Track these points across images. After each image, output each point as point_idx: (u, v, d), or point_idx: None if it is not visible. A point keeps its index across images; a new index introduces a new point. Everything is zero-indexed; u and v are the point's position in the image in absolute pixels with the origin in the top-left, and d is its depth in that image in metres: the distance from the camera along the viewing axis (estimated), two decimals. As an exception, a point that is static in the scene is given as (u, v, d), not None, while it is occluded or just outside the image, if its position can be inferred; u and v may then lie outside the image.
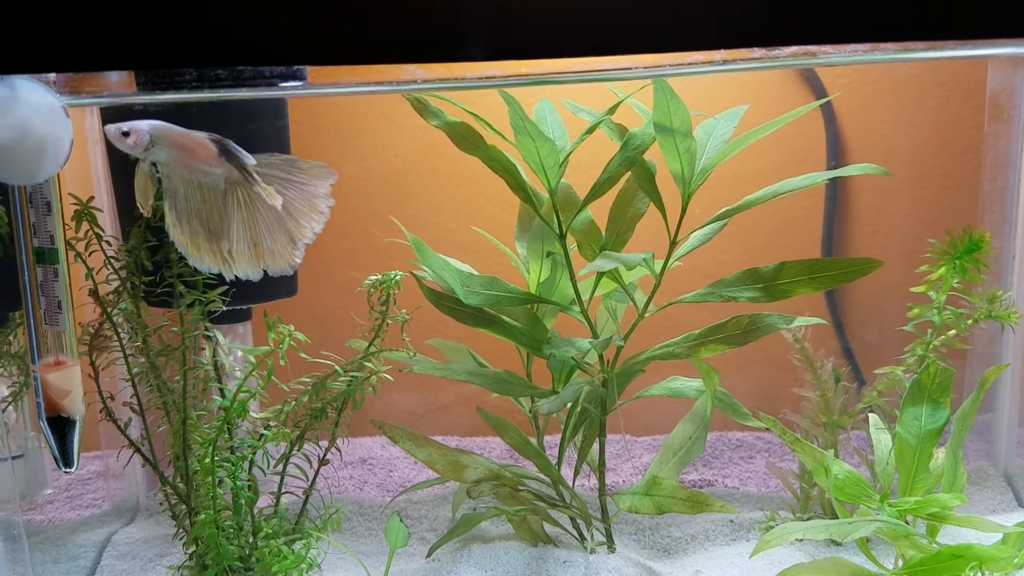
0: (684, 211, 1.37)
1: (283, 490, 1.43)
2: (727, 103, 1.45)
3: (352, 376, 1.39)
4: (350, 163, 1.88)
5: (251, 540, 1.38)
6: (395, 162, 1.89)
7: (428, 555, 1.49)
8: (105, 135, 1.25)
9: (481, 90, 1.43)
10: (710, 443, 1.90)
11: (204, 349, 1.40)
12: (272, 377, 1.29)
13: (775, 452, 1.88)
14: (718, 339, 1.37)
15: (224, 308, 1.36)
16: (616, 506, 1.45)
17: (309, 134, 1.87)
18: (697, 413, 1.53)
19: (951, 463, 1.35)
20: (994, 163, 1.67)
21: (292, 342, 1.28)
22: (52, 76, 1.20)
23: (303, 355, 1.31)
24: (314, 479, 1.45)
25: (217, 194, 1.23)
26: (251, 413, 1.36)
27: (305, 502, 1.46)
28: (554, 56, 1.11)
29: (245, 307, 1.53)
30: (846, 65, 1.78)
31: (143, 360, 1.40)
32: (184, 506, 1.43)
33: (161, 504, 1.50)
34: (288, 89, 1.22)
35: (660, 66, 1.22)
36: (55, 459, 1.27)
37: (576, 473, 1.55)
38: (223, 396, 1.33)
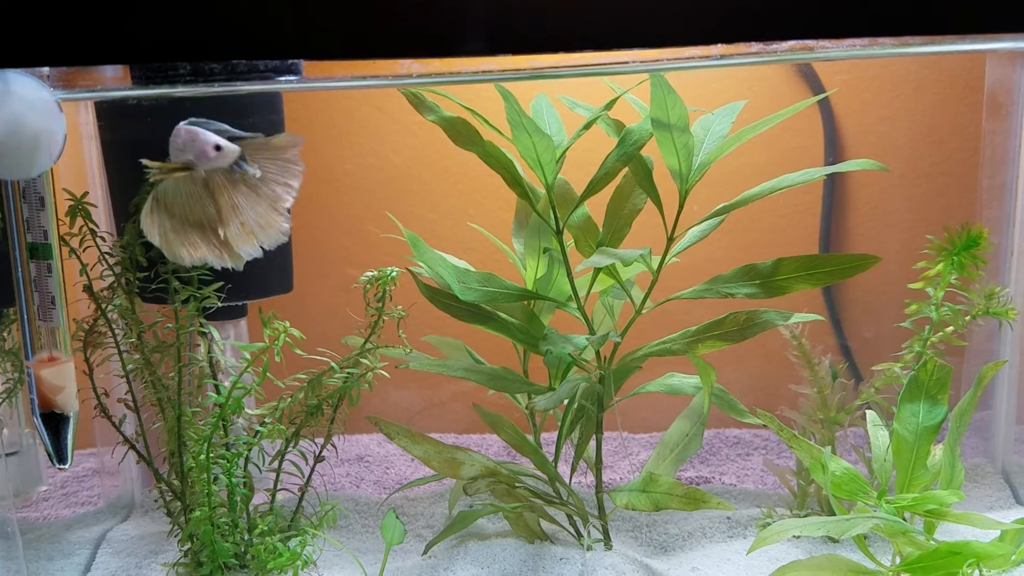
0: (681, 207, 1.37)
1: (279, 487, 1.43)
2: (725, 99, 1.45)
3: (348, 373, 1.38)
4: (347, 159, 1.87)
5: (246, 537, 1.38)
6: (392, 158, 1.88)
7: (424, 552, 1.49)
8: (195, 147, 1.20)
9: (477, 85, 1.42)
10: (707, 440, 1.89)
11: (199, 346, 1.39)
12: (268, 374, 1.28)
13: (772, 449, 1.88)
14: (715, 335, 1.36)
15: (219, 305, 1.36)
16: (613, 503, 1.45)
17: (305, 130, 1.86)
18: (694, 410, 1.52)
19: (948, 460, 1.35)
20: (992, 159, 1.66)
21: (287, 338, 1.27)
22: (45, 70, 1.19)
23: (299, 351, 1.30)
24: (310, 476, 1.44)
25: (199, 184, 1.22)
26: (246, 410, 1.35)
27: (301, 499, 1.45)
28: (551, 51, 1.10)
29: (240, 304, 1.52)
30: (844, 60, 1.77)
31: (138, 356, 1.39)
32: (179, 503, 1.42)
33: (156, 501, 1.50)
34: (282, 83, 1.22)
35: (657, 61, 1.21)
36: (49, 455, 1.27)
37: (573, 470, 1.54)
38: (218, 393, 1.32)
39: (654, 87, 1.27)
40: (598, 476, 1.49)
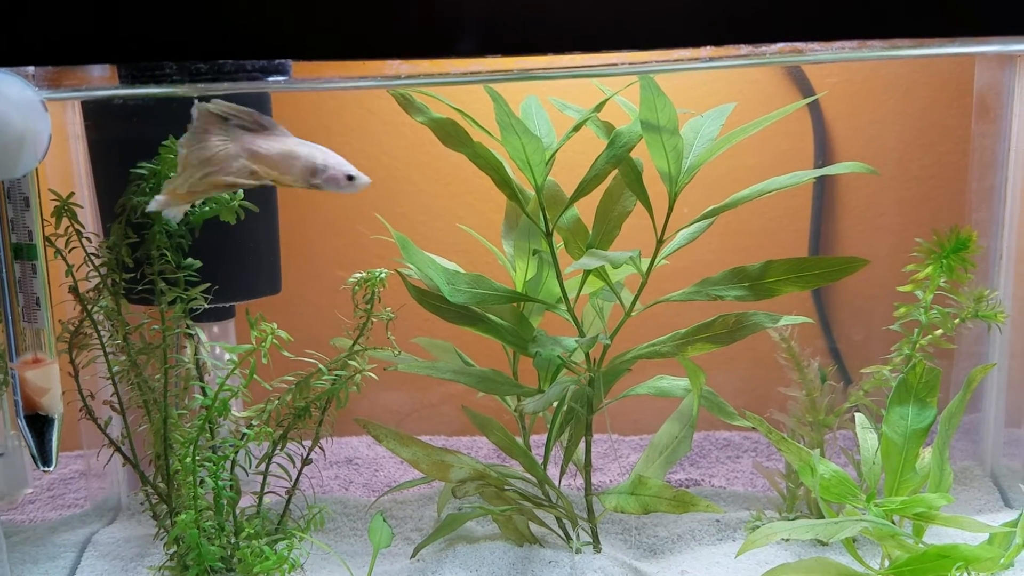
0: (671, 209, 1.36)
1: (266, 490, 1.42)
2: (715, 102, 1.45)
3: (336, 375, 1.37)
4: (336, 160, 1.86)
5: (233, 540, 1.37)
6: (382, 160, 1.87)
7: (413, 555, 1.48)
8: (327, 174, 1.20)
9: (467, 86, 1.42)
10: (697, 442, 1.89)
11: (186, 347, 1.38)
12: (255, 376, 1.28)
13: (762, 452, 1.88)
14: (704, 338, 1.36)
15: (206, 306, 1.35)
16: (602, 506, 1.45)
17: (294, 130, 1.85)
18: (683, 412, 1.52)
19: (937, 463, 1.35)
20: (981, 163, 1.66)
21: (275, 340, 1.26)
22: (31, 69, 1.18)
23: (286, 353, 1.29)
24: (297, 479, 1.43)
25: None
26: (233, 412, 1.34)
27: (288, 502, 1.44)
28: (539, 52, 1.10)
29: (228, 305, 1.51)
30: (834, 63, 1.77)
31: (124, 358, 1.38)
32: (165, 506, 1.41)
33: (142, 504, 1.49)
34: (270, 84, 1.21)
35: (646, 62, 1.21)
36: (33, 458, 1.26)
37: (562, 472, 1.54)
38: (204, 395, 1.31)
39: (643, 89, 1.27)
40: (587, 479, 1.49)
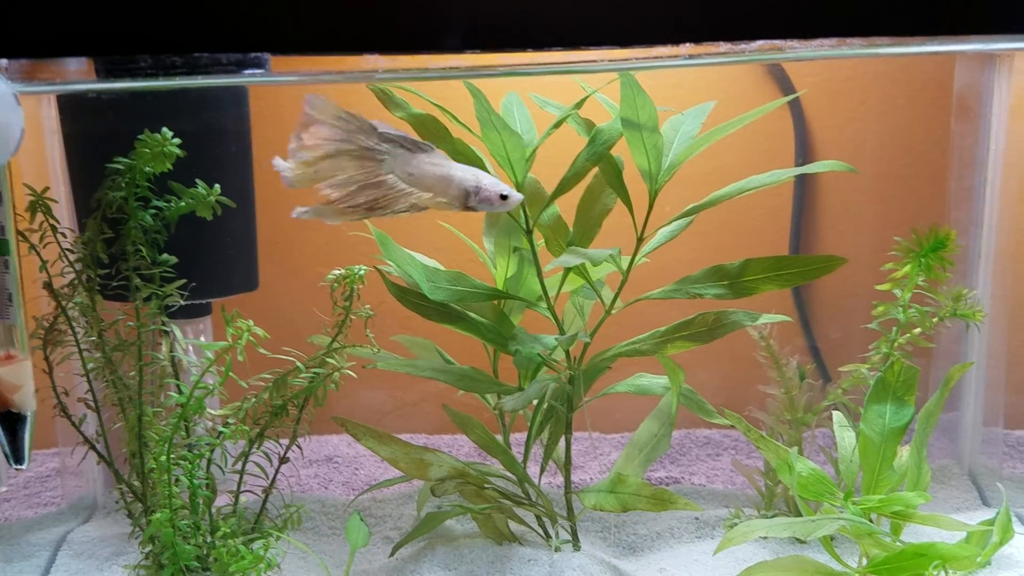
0: (651, 207, 1.36)
1: (243, 489, 1.41)
2: (697, 101, 1.44)
3: (314, 372, 1.36)
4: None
5: (208, 539, 1.35)
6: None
7: (391, 554, 1.47)
8: (482, 194, 1.23)
9: (447, 82, 1.41)
10: (678, 440, 1.89)
11: (161, 344, 1.37)
12: (231, 373, 1.26)
13: (742, 449, 1.88)
14: (684, 336, 1.36)
15: (182, 303, 1.34)
16: (582, 504, 1.44)
17: (275, 125, 1.83)
18: (663, 410, 1.52)
19: (915, 461, 1.35)
20: (961, 162, 1.67)
21: (251, 337, 1.25)
22: (4, 62, 1.16)
23: (262, 351, 1.28)
24: (274, 477, 1.42)
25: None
26: (209, 410, 1.33)
27: (265, 501, 1.43)
28: (520, 49, 1.09)
29: (204, 302, 1.50)
30: (815, 63, 1.78)
31: (98, 355, 1.37)
32: (140, 504, 1.40)
33: (117, 502, 1.47)
34: (246, 77, 1.20)
35: (626, 60, 1.21)
36: (6, 456, 1.24)
37: (542, 471, 1.53)
38: (180, 392, 1.30)
39: (624, 87, 1.27)
40: (567, 477, 1.48)
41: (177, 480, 1.30)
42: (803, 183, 1.86)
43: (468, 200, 1.23)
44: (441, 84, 1.51)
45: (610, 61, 1.20)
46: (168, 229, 1.34)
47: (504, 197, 1.22)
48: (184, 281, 1.33)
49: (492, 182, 1.23)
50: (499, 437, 1.53)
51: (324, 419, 1.47)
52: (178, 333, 1.36)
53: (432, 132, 1.32)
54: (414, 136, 1.25)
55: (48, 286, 1.35)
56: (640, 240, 1.38)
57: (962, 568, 1.34)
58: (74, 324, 1.37)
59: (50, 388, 1.38)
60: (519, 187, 1.37)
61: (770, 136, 1.84)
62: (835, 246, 1.87)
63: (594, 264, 1.39)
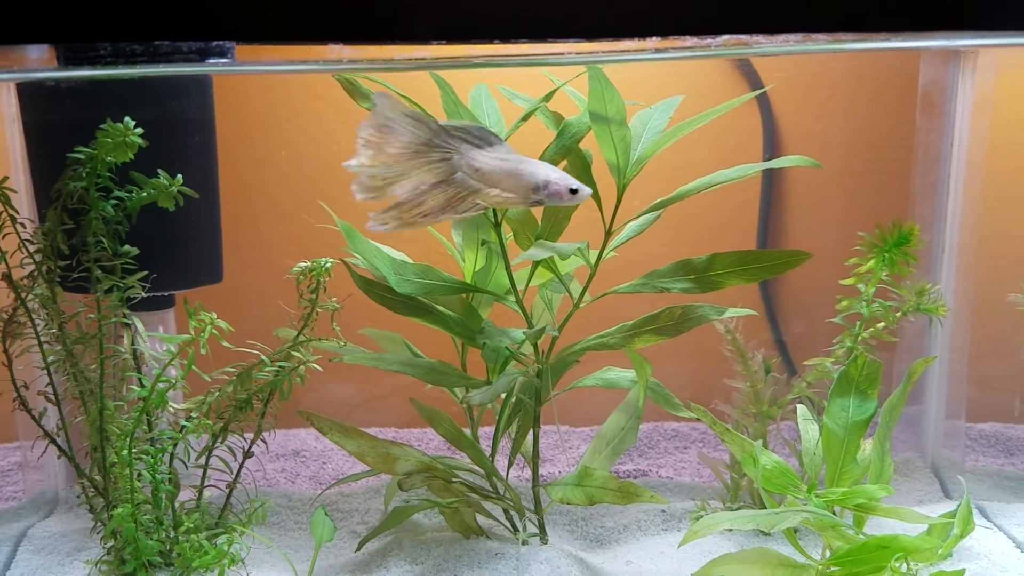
0: (619, 201, 1.36)
1: (206, 483, 1.39)
2: (666, 95, 1.44)
3: (279, 366, 1.35)
4: (284, 146, 1.84)
5: (172, 534, 1.34)
6: (332, 147, 1.85)
7: (358, 548, 1.46)
8: (550, 188, 1.19)
9: (414, 73, 1.40)
10: (646, 433, 1.90)
11: (123, 337, 1.35)
12: (193, 367, 1.25)
13: (709, 443, 1.89)
14: (651, 330, 1.36)
15: (144, 295, 1.32)
16: (549, 497, 1.44)
17: (243, 115, 1.82)
18: (629, 404, 1.52)
19: (878, 454, 1.37)
20: (926, 158, 1.69)
21: (214, 330, 1.24)
22: (-40, 49, 1.14)
23: (226, 344, 1.27)
24: (238, 472, 1.41)
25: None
26: (172, 404, 1.31)
27: (229, 496, 1.42)
28: (486, 40, 1.09)
29: (167, 294, 1.48)
30: (783, 58, 1.79)
31: (59, 348, 1.35)
32: (102, 499, 1.38)
33: (78, 497, 1.45)
34: (208, 66, 1.18)
35: (593, 53, 1.20)
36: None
37: (510, 464, 1.53)
38: (142, 386, 1.28)
39: (591, 80, 1.26)
40: (535, 470, 1.48)
41: (139, 475, 1.29)
42: (771, 178, 1.87)
43: (536, 194, 1.19)
44: (408, 75, 1.50)
45: (577, 54, 1.20)
46: (130, 220, 1.32)
47: (574, 191, 1.19)
48: (146, 273, 1.31)
49: (561, 176, 1.19)
50: (467, 431, 1.52)
51: (291, 413, 1.45)
52: (140, 326, 1.34)
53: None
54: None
55: (7, 277, 1.32)
56: (608, 234, 1.38)
57: (924, 560, 1.36)
58: (34, 316, 1.35)
59: (9, 381, 1.35)
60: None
61: (739, 132, 1.84)
62: (803, 241, 1.88)
63: (562, 258, 1.39)
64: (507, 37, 1.08)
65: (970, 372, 1.70)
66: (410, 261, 1.41)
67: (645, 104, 1.42)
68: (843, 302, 1.50)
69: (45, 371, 1.37)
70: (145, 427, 1.32)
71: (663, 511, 1.57)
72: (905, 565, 1.30)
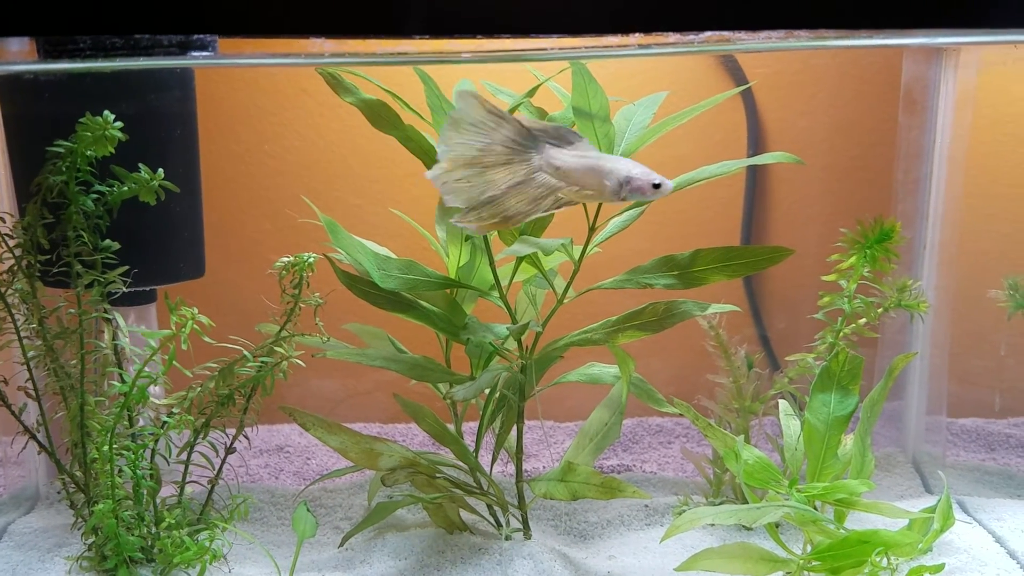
0: (603, 197, 1.36)
1: (189, 479, 1.39)
2: (652, 91, 1.44)
3: (262, 361, 1.34)
4: (270, 141, 1.83)
5: (153, 530, 1.33)
6: (317, 142, 1.84)
7: (341, 544, 1.46)
8: (633, 184, 1.18)
9: (399, 69, 1.39)
10: (630, 428, 1.90)
11: (104, 332, 1.34)
12: (175, 362, 1.24)
13: (693, 437, 1.89)
14: (635, 325, 1.36)
15: (125, 289, 1.31)
16: (532, 492, 1.44)
17: (227, 109, 1.80)
18: (613, 399, 1.53)
19: (859, 449, 1.37)
20: (908, 154, 1.70)
21: (195, 325, 1.23)
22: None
23: (207, 339, 1.26)
24: (220, 468, 1.40)
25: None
26: (153, 400, 1.31)
27: (211, 492, 1.41)
28: (469, 35, 1.08)
29: (148, 289, 1.47)
30: (767, 55, 1.79)
31: (39, 343, 1.34)
32: (83, 495, 1.37)
33: (59, 493, 1.44)
34: (188, 60, 1.17)
35: (576, 48, 1.20)
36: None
37: (494, 459, 1.53)
38: (123, 381, 1.27)
39: (575, 76, 1.26)
40: (518, 465, 1.49)
41: (120, 470, 1.28)
42: (755, 174, 1.88)
43: (619, 191, 1.18)
44: (392, 70, 1.49)
45: (560, 49, 1.20)
46: (110, 214, 1.31)
47: (657, 186, 1.18)
48: (127, 268, 1.30)
49: (644, 171, 1.18)
50: (451, 426, 1.52)
51: (275, 408, 1.45)
52: (121, 321, 1.34)
53: (383, 119, 1.30)
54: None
55: (-14, 272, 1.31)
56: (592, 230, 1.38)
57: (904, 555, 1.37)
58: (13, 311, 1.33)
59: (-12, 377, 1.35)
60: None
61: (723, 128, 1.85)
62: (786, 238, 1.89)
63: (546, 253, 1.39)
64: (490, 32, 1.07)
65: (951, 368, 1.71)
66: (394, 256, 1.41)
67: (629, 100, 1.42)
68: (825, 298, 1.50)
69: (25, 366, 1.36)
70: (126, 423, 1.31)
71: (646, 506, 1.58)
72: (885, 560, 1.31)
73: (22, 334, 1.35)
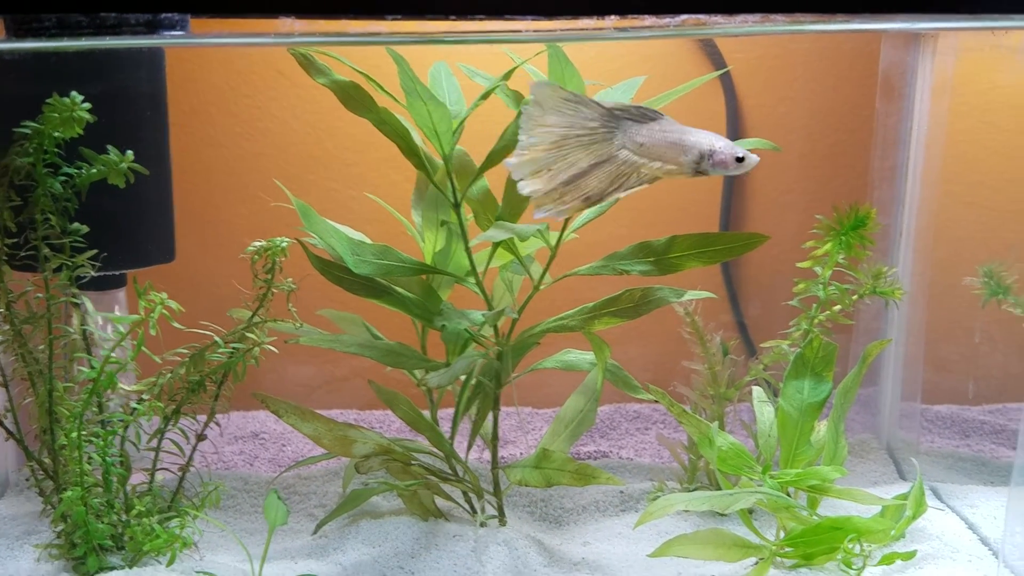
0: (579, 182, 1.35)
1: (159, 466, 1.37)
2: (631, 75, 1.43)
3: (233, 348, 1.33)
4: (243, 123, 1.80)
5: (123, 518, 1.32)
6: (292, 124, 1.81)
7: (315, 532, 1.45)
8: (717, 157, 1.17)
9: (374, 51, 1.37)
10: (607, 414, 1.90)
11: (72, 317, 1.32)
12: (143, 348, 1.22)
13: (670, 424, 1.90)
14: (611, 312, 1.36)
15: (94, 274, 1.29)
16: (507, 479, 1.44)
17: (200, 90, 1.78)
18: (588, 386, 1.52)
19: (832, 436, 1.38)
20: (885, 141, 1.70)
21: (165, 311, 1.21)
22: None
23: (177, 325, 1.24)
24: (191, 455, 1.39)
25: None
26: (122, 386, 1.29)
27: (182, 479, 1.40)
28: (442, 15, 1.07)
29: (118, 273, 1.44)
30: (746, 40, 1.78)
31: (7, 328, 1.31)
32: (51, 482, 1.35)
33: (28, 480, 1.42)
34: (155, 39, 1.15)
35: (551, 31, 1.19)
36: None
37: (469, 446, 1.53)
38: (91, 367, 1.25)
39: (551, 59, 1.25)
40: (494, 452, 1.48)
41: (90, 457, 1.26)
42: (735, 161, 1.87)
43: (701, 165, 1.17)
44: (369, 52, 1.47)
45: (535, 31, 1.18)
46: (79, 197, 1.28)
47: (740, 159, 1.17)
48: (96, 251, 1.28)
49: (727, 144, 1.17)
50: (427, 413, 1.51)
51: (250, 395, 1.44)
52: (89, 306, 1.31)
53: (355, 100, 1.29)
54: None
55: (-49, 256, 1.29)
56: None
57: (877, 541, 1.37)
58: (-21, 296, 1.31)
59: (-45, 363, 1.32)
60: (447, 159, 1.35)
61: (702, 114, 1.84)
62: (764, 224, 1.89)
63: (522, 239, 1.38)
64: (463, 13, 1.06)
65: (926, 354, 1.72)
66: (368, 241, 1.39)
67: (607, 84, 1.41)
68: (800, 285, 1.50)
69: (-8, 352, 1.34)
70: (95, 409, 1.29)
71: (621, 492, 1.58)
72: (858, 546, 1.31)
73: (-11, 319, 1.32)
